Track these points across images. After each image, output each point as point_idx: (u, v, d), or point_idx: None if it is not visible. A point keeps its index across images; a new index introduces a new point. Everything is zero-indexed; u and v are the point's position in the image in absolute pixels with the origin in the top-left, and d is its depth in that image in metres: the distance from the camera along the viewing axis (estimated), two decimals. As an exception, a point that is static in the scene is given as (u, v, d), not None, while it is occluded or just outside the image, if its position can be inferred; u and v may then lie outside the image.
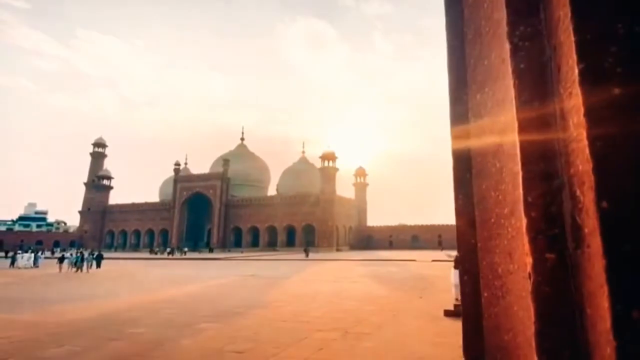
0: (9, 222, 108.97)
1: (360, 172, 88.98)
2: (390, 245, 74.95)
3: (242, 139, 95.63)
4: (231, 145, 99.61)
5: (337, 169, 71.77)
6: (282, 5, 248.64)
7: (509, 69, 0.58)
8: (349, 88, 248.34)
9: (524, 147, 0.50)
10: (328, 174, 70.00)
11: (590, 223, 0.45)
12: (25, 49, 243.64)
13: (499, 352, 0.62)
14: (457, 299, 10.08)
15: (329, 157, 71.34)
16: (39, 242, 77.72)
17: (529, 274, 0.46)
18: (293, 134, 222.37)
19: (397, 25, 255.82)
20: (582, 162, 0.47)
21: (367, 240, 78.48)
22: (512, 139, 0.56)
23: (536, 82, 0.50)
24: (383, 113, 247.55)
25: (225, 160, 77.45)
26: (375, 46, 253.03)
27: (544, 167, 0.48)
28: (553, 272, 0.46)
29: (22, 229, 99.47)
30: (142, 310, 9.97)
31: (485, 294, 0.66)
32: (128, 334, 7.36)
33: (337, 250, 66.97)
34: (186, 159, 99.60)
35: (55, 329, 7.84)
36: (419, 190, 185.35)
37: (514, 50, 0.53)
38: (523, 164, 0.49)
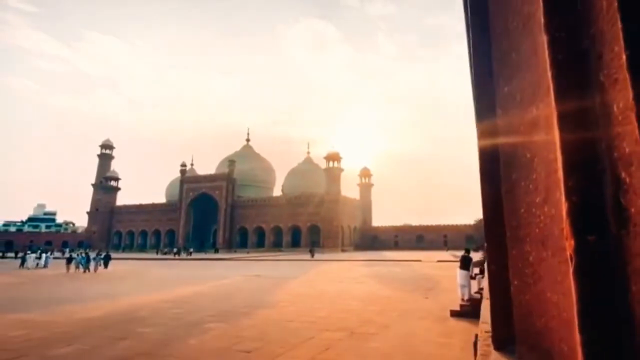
0: (19, 223, 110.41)
1: (365, 173, 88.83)
2: (396, 245, 74.71)
3: (248, 140, 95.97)
4: (237, 146, 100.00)
5: (341, 170, 71.73)
6: (284, 6, 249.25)
7: (542, 60, 0.60)
8: (352, 88, 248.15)
9: (564, 134, 0.51)
10: (333, 175, 69.99)
11: (638, 203, 0.48)
12: (30, 50, 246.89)
13: (530, 337, 0.64)
14: (462, 299, 10.03)
15: (333, 157, 71.34)
16: (48, 243, 78.66)
17: (570, 256, 0.48)
18: (298, 134, 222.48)
19: (400, 25, 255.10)
20: (630, 144, 0.49)
21: (372, 240, 78.31)
22: (548, 127, 0.57)
23: (575, 71, 0.52)
24: (387, 113, 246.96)
25: (230, 161, 77.79)
26: (378, 46, 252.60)
27: (584, 153, 0.49)
28: (595, 254, 0.48)
29: (31, 229, 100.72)
30: (149, 310, 10.06)
31: (515, 282, 0.68)
32: (136, 333, 7.43)
33: (342, 250, 66.91)
34: (192, 160, 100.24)
35: (64, 328, 7.94)
36: (424, 190, 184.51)
37: (551, 41, 0.54)
38: (563, 151, 0.50)
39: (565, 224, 0.49)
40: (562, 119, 0.51)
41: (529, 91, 0.68)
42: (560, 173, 0.50)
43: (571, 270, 0.47)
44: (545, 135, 0.60)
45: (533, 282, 0.67)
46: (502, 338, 0.71)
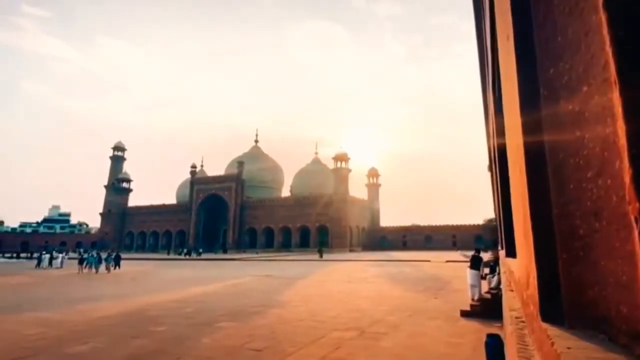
0: (34, 224, 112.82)
1: (373, 173, 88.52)
2: (404, 245, 74.27)
3: (256, 141, 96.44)
4: (246, 147, 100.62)
5: (349, 170, 71.61)
6: (291, 7, 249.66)
7: (597, 39, 0.63)
8: (360, 88, 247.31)
9: (627, 105, 0.55)
10: (341, 175, 69.91)
11: None
12: (44, 55, 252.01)
13: (581, 306, 0.68)
14: (473, 299, 9.95)
15: (341, 158, 71.25)
16: (63, 244, 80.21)
17: (635, 218, 0.52)
18: (306, 135, 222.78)
19: (406, 25, 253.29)
20: None
21: (381, 240, 77.99)
22: (604, 102, 0.61)
23: (635, 44, 0.56)
24: (394, 113, 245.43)
25: (239, 162, 78.30)
26: (385, 46, 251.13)
27: None
28: None
29: (46, 230, 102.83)
30: (161, 309, 10.22)
31: (564, 256, 0.72)
32: (149, 331, 7.57)
33: (351, 250, 66.77)
34: (202, 161, 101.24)
35: (79, 326, 8.12)
36: (432, 190, 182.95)
37: (610, 19, 0.59)
38: (627, 120, 0.54)
39: (629, 190, 0.52)
40: (624, 88, 0.53)
41: (578, 71, 0.72)
42: (623, 142, 0.53)
43: (636, 232, 0.51)
44: (600, 109, 0.64)
45: (584, 254, 0.71)
46: (549, 311, 0.76)
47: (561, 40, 0.76)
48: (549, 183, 0.77)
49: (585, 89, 0.70)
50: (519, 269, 1.29)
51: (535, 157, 0.81)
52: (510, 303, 1.47)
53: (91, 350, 6.24)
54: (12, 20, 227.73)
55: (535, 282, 0.81)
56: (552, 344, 0.65)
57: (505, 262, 2.52)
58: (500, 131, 2.59)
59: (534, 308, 0.88)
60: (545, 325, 0.75)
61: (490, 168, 14.42)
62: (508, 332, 1.28)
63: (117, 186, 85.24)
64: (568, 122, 0.73)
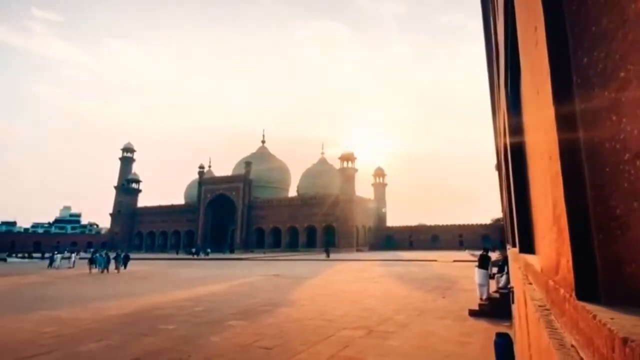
0: (46, 225, 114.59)
1: (379, 172, 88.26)
2: (410, 245, 73.94)
3: (263, 142, 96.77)
4: (253, 147, 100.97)
5: (356, 170, 71.51)
6: (297, 7, 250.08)
7: (636, 27, 0.66)
8: (366, 88, 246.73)
9: None
10: (347, 175, 69.84)
11: None
12: (55, 59, 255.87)
13: (618, 285, 0.71)
14: (481, 299, 9.89)
15: (347, 157, 71.19)
16: (74, 244, 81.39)
17: None
18: (312, 135, 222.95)
19: (412, 24, 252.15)
20: None
21: (387, 240, 77.72)
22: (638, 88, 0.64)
23: None
24: (400, 112, 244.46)
25: (247, 163, 78.67)
26: (391, 46, 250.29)
27: None
28: None
29: (58, 231, 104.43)
30: (171, 308, 10.32)
31: (601, 236, 0.74)
32: (160, 330, 7.65)
33: (357, 250, 66.66)
34: (210, 162, 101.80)
35: (91, 325, 8.25)
36: (439, 190, 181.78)
37: None
38: None
39: None
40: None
41: (614, 58, 0.75)
42: None
43: None
44: (638, 93, 0.66)
45: (621, 233, 0.73)
46: (585, 291, 0.78)
47: (595, 30, 0.78)
48: (584, 168, 0.79)
49: (622, 75, 0.72)
50: (543, 259, 1.30)
51: (568, 144, 0.83)
52: (530, 294, 1.47)
53: (104, 348, 6.34)
54: (24, 24, 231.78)
55: (569, 265, 0.83)
56: (594, 316, 0.67)
57: (519, 258, 2.51)
58: (514, 128, 2.58)
59: (565, 291, 0.89)
60: (582, 303, 0.77)
61: (498, 167, 14.27)
62: (534, 319, 1.29)
63: (127, 187, 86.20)
64: (603, 108, 0.75)
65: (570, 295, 0.81)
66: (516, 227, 2.61)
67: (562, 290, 0.91)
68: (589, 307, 0.71)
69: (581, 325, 0.74)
